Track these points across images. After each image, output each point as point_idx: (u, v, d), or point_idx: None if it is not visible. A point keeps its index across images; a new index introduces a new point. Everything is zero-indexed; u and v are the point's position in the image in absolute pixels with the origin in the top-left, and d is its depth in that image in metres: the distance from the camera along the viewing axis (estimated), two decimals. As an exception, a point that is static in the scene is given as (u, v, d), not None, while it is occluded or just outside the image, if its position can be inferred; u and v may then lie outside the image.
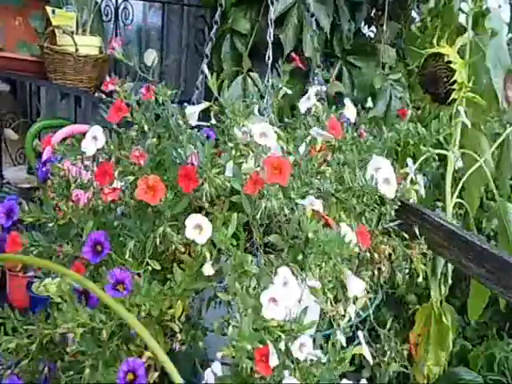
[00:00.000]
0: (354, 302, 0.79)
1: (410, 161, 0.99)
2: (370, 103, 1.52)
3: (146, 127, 0.84)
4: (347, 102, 1.00)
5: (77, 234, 0.81)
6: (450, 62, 1.07)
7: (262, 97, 1.63)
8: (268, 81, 1.08)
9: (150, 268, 0.73)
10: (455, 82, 1.08)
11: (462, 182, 1.22)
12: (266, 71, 1.73)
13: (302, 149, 0.86)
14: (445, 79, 1.09)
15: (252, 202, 0.74)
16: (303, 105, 0.96)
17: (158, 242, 0.73)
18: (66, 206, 0.82)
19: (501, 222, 1.16)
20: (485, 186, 1.27)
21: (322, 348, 0.73)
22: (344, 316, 0.78)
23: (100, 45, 1.82)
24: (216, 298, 0.76)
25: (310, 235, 0.71)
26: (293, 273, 0.70)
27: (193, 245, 0.74)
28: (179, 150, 0.79)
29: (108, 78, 0.88)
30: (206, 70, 1.03)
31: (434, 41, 1.08)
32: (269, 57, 1.11)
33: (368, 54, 1.73)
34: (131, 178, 0.78)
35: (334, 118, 0.93)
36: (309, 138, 0.89)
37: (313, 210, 0.77)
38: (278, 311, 0.66)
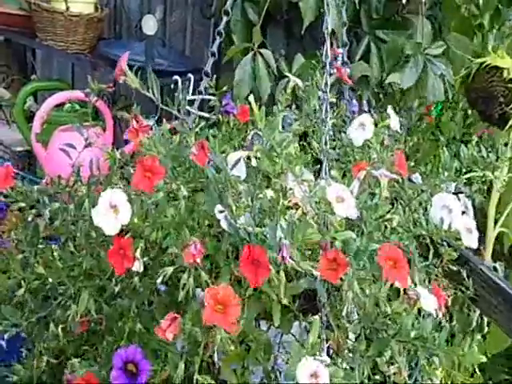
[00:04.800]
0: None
1: (451, 186, 0.80)
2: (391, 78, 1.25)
3: (182, 188, 0.61)
4: (390, 110, 0.80)
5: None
6: (511, 79, 0.84)
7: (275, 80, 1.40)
8: (327, 81, 0.76)
9: None
10: (516, 104, 0.86)
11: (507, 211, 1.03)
12: (281, 47, 1.49)
13: (354, 189, 0.69)
14: (501, 99, 0.86)
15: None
16: (357, 135, 0.75)
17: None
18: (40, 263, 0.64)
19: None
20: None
21: None
22: None
23: (95, 1, 1.61)
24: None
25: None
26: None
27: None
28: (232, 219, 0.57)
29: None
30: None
31: (489, 47, 0.85)
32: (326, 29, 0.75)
33: (400, 27, 1.47)
34: (170, 269, 0.57)
35: (401, 153, 0.74)
36: (362, 174, 0.70)
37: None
38: None
